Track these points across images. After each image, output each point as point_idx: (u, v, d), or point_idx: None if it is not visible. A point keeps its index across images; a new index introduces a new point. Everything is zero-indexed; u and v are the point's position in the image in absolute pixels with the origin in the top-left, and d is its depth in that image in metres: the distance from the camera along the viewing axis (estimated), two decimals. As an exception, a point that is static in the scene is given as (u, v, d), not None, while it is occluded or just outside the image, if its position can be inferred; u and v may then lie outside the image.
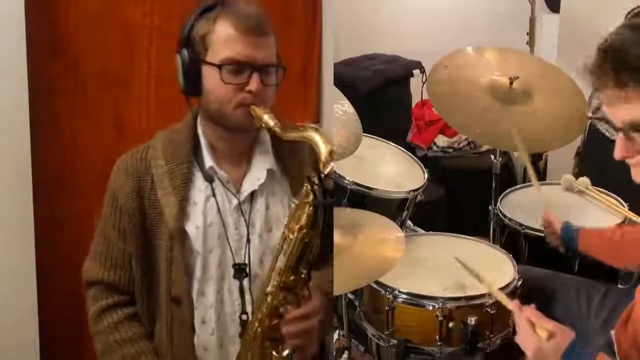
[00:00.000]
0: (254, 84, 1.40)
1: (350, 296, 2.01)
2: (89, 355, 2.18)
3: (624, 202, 2.17)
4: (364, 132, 2.08)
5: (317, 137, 1.33)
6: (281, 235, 1.37)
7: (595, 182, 2.28)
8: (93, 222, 2.10)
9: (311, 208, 1.31)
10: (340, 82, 2.37)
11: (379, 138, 2.35)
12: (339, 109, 2.03)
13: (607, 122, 1.27)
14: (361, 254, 1.74)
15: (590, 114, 1.28)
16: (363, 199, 2.03)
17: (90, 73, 2.02)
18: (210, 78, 1.42)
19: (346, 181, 2.02)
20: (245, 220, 1.48)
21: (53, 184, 2.04)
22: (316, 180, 1.30)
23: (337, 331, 2.05)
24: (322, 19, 2.05)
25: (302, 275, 1.35)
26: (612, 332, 1.48)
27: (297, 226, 1.33)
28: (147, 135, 2.07)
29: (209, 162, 1.47)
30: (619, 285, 2.00)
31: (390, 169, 2.26)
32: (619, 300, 1.72)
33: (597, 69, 1.22)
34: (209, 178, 1.47)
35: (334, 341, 2.04)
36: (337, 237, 1.72)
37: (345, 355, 2.04)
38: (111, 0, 1.99)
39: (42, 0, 1.95)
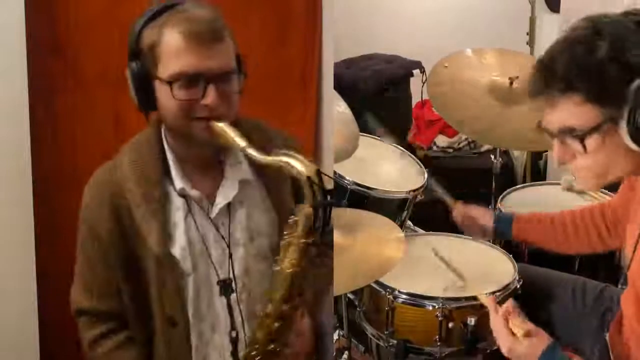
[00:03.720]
0: (209, 97, 1.28)
1: (350, 296, 2.01)
2: (89, 355, 2.18)
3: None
4: (363, 132, 2.08)
5: (295, 162, 1.20)
6: (273, 267, 1.30)
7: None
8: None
9: (303, 243, 1.24)
10: (340, 83, 2.38)
11: (379, 138, 2.35)
12: (334, 109, 2.03)
13: (545, 131, 1.33)
14: (361, 254, 1.74)
15: (537, 124, 1.35)
16: (363, 199, 2.03)
17: (90, 72, 2.02)
18: (163, 94, 1.32)
19: (346, 181, 2.02)
20: (222, 234, 1.41)
21: (53, 184, 2.04)
22: (316, 180, 1.29)
23: (337, 331, 2.05)
24: (322, 20, 2.05)
25: (295, 303, 1.32)
26: (606, 335, 1.48)
27: (289, 259, 1.27)
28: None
29: (179, 183, 1.40)
30: (620, 286, 2.00)
31: (390, 169, 2.26)
32: (614, 300, 1.72)
33: (531, 78, 1.31)
34: (183, 195, 1.40)
35: (334, 341, 2.04)
36: (337, 237, 1.71)
37: (345, 355, 2.04)
38: (111, -1, 2.00)
39: None
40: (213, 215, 1.42)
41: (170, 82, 1.29)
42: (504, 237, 1.98)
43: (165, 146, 1.42)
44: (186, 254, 1.41)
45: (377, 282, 1.82)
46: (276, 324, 1.32)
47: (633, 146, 1.23)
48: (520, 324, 1.37)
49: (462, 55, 2.33)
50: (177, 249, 1.40)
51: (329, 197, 1.23)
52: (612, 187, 2.20)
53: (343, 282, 1.59)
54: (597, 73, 1.21)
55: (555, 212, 1.89)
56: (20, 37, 1.93)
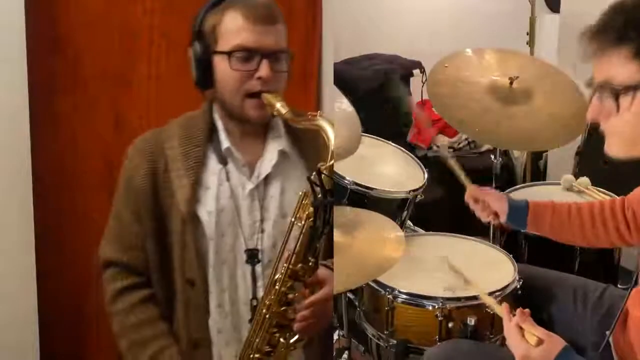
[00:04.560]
0: (263, 70, 1.41)
1: (350, 296, 2.01)
2: (89, 355, 2.18)
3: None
4: (363, 131, 2.08)
5: (327, 127, 1.35)
6: (289, 222, 1.38)
7: (595, 182, 2.28)
8: (93, 221, 2.10)
9: (320, 196, 1.31)
10: (340, 82, 2.37)
11: (379, 138, 2.35)
12: (338, 107, 2.03)
13: (590, 84, 1.28)
14: (361, 253, 1.74)
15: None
16: (363, 198, 2.03)
17: (90, 72, 2.02)
18: (221, 67, 1.45)
19: (346, 181, 2.02)
20: (258, 205, 1.49)
21: (53, 184, 2.04)
22: (316, 180, 1.30)
23: (337, 331, 2.05)
24: (322, 19, 2.06)
25: (310, 264, 1.37)
26: (608, 333, 1.47)
27: (305, 214, 1.34)
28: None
29: (225, 143, 1.49)
30: (619, 286, 2.00)
31: (390, 169, 2.26)
32: (615, 300, 1.72)
33: (597, 23, 1.26)
34: (224, 161, 1.48)
35: (334, 341, 2.04)
36: (337, 237, 1.72)
37: (345, 355, 2.04)
38: (111, -1, 2.00)
39: (42, -1, 1.96)
40: (251, 186, 1.49)
41: (229, 54, 1.42)
42: (517, 227, 1.92)
43: (216, 117, 1.52)
44: (212, 218, 1.47)
45: (377, 282, 1.82)
46: (289, 285, 1.37)
47: None
48: (533, 332, 1.37)
49: (462, 55, 2.33)
50: (204, 212, 1.47)
51: (329, 197, 1.27)
52: (613, 188, 2.22)
53: (342, 281, 1.59)
54: None
55: (571, 202, 1.82)
56: (20, 37, 1.93)
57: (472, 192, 1.94)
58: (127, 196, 1.52)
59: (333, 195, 1.28)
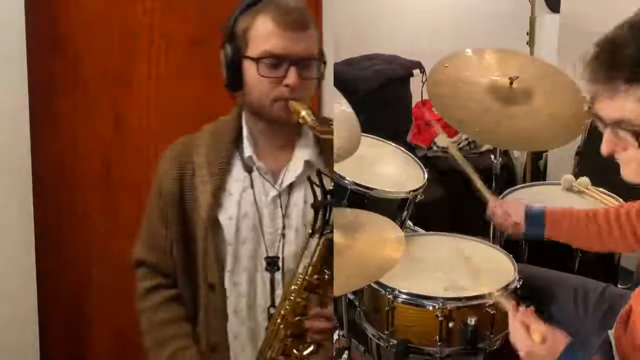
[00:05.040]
0: (291, 77, 1.41)
1: (350, 296, 2.01)
2: (89, 355, 2.18)
3: (624, 202, 2.17)
4: (363, 132, 2.08)
5: None
6: (306, 233, 1.39)
7: (595, 182, 2.28)
8: (93, 221, 2.11)
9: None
10: (340, 82, 2.37)
11: (379, 138, 2.35)
12: (337, 108, 2.03)
13: (596, 117, 1.25)
14: (361, 254, 1.74)
15: (586, 108, 1.27)
16: (363, 199, 2.02)
17: (90, 72, 2.02)
18: (250, 72, 1.44)
19: (346, 181, 2.01)
20: (281, 213, 1.50)
21: (53, 184, 2.04)
22: (316, 181, 1.30)
23: (337, 331, 2.05)
24: (322, 19, 2.05)
25: (326, 276, 1.37)
26: (610, 332, 1.47)
27: (322, 226, 1.34)
28: (147, 134, 2.08)
29: (248, 151, 1.50)
30: (619, 286, 2.00)
31: (390, 169, 2.26)
32: (615, 300, 1.72)
33: (591, 62, 1.21)
34: (248, 168, 1.49)
35: (334, 341, 2.04)
36: (337, 237, 1.71)
37: (345, 355, 2.04)
38: (111, -1, 2.00)
39: (42, -1, 1.96)
40: (276, 191, 1.50)
41: (257, 60, 1.42)
42: (535, 236, 1.91)
43: (243, 122, 1.53)
44: (233, 224, 1.49)
45: (377, 282, 1.82)
46: (304, 296, 1.37)
47: None
48: (537, 328, 1.37)
49: (462, 55, 2.33)
50: (225, 217, 1.49)
51: (329, 197, 1.27)
52: (613, 188, 2.22)
53: (343, 282, 1.59)
54: None
55: (587, 209, 1.85)
56: (20, 37, 1.93)
57: (493, 204, 1.96)
58: (157, 200, 1.55)
59: (333, 196, 1.27)
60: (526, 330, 1.38)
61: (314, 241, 1.36)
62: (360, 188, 2.02)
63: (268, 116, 1.46)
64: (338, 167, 1.98)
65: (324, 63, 1.49)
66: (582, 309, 1.77)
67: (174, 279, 1.57)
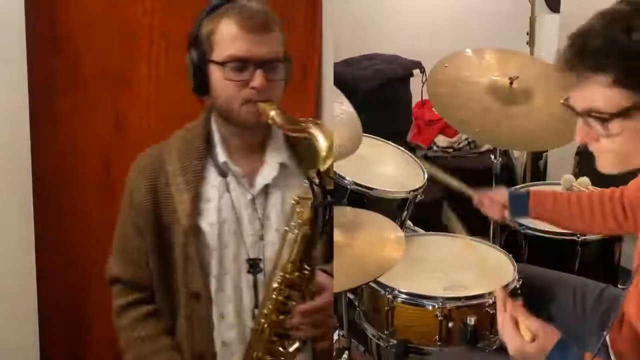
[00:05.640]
0: (257, 80, 1.40)
1: (350, 296, 2.01)
2: (89, 355, 2.18)
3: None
4: (363, 132, 2.08)
5: (318, 133, 1.34)
6: (283, 231, 1.38)
7: (595, 182, 2.28)
8: (93, 221, 2.10)
9: (313, 204, 1.32)
10: (340, 82, 2.37)
11: (379, 138, 2.35)
12: (338, 107, 2.03)
13: (569, 107, 1.28)
14: (361, 253, 1.74)
15: (562, 100, 1.30)
16: (363, 198, 2.03)
17: (90, 72, 2.02)
18: (216, 76, 1.44)
19: (346, 181, 2.02)
20: (259, 215, 1.49)
21: (53, 184, 2.04)
22: (316, 181, 1.30)
23: (337, 331, 2.05)
24: (322, 19, 2.05)
25: (306, 272, 1.36)
26: (606, 334, 1.47)
27: (299, 222, 1.34)
28: (147, 134, 2.08)
29: (222, 157, 1.49)
30: (619, 286, 2.00)
31: (390, 169, 2.26)
32: (613, 301, 1.72)
33: (564, 53, 1.25)
34: (223, 173, 1.49)
35: (334, 341, 2.04)
36: (337, 237, 1.72)
37: (345, 355, 2.04)
38: (111, -2, 2.00)
39: (42, -1, 1.96)
40: (251, 195, 1.49)
41: (223, 64, 1.41)
42: (519, 215, 1.94)
43: (213, 128, 1.52)
44: (215, 230, 1.47)
45: (377, 282, 1.82)
46: (286, 294, 1.37)
47: None
48: (528, 325, 1.35)
49: (462, 55, 2.33)
50: (206, 223, 1.48)
51: (329, 197, 1.27)
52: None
53: (342, 281, 1.59)
54: (631, 54, 1.16)
55: (571, 192, 1.87)
56: (21, 37, 1.93)
57: (478, 196, 1.97)
58: (129, 212, 1.53)
59: (333, 196, 1.27)
60: (515, 326, 1.35)
61: (292, 238, 1.35)
62: (360, 188, 2.02)
63: (237, 119, 1.46)
64: (338, 167, 1.99)
65: (290, 64, 1.48)
66: (580, 309, 1.77)
67: (151, 293, 1.54)
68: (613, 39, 1.17)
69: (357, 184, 2.02)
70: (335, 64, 2.89)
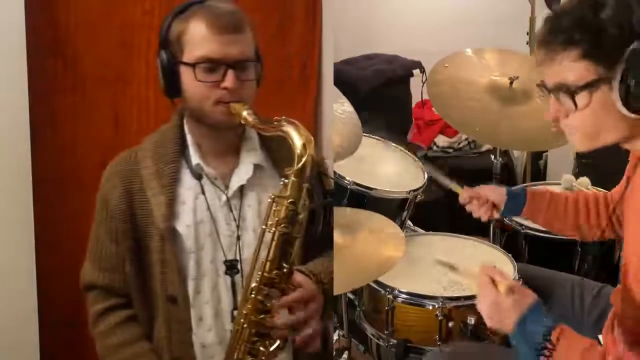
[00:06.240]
0: (228, 80, 1.40)
1: (350, 296, 2.01)
2: (89, 355, 2.18)
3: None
4: (363, 132, 2.08)
5: (292, 131, 1.33)
6: (260, 230, 1.37)
7: (595, 182, 2.28)
8: (93, 221, 2.10)
9: (289, 202, 1.32)
10: (340, 82, 2.37)
11: (379, 138, 2.35)
12: (338, 107, 2.03)
13: (543, 86, 1.33)
14: (361, 253, 1.74)
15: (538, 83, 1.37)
16: (363, 199, 2.03)
17: (90, 72, 2.02)
18: (187, 78, 1.43)
19: (346, 181, 2.02)
20: (234, 216, 1.48)
21: (53, 184, 2.04)
22: (315, 182, 1.30)
23: (337, 331, 2.05)
24: (322, 19, 2.06)
25: (284, 270, 1.35)
26: (600, 335, 1.47)
27: (276, 220, 1.33)
28: (146, 134, 2.07)
29: (195, 159, 1.49)
30: (619, 285, 2.00)
31: (390, 169, 2.26)
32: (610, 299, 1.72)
33: (540, 32, 1.31)
34: (197, 175, 1.48)
35: (334, 341, 2.04)
36: (337, 237, 1.72)
37: (345, 355, 2.04)
38: (111, -1, 2.00)
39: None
40: (226, 196, 1.49)
41: (193, 66, 1.40)
42: (512, 213, 1.92)
43: (186, 130, 1.52)
44: (191, 232, 1.47)
45: (377, 282, 1.82)
46: (265, 293, 1.35)
47: (623, 109, 1.23)
48: (503, 280, 1.33)
49: (462, 55, 2.33)
50: (182, 226, 1.47)
51: (328, 197, 1.26)
52: (613, 188, 2.21)
53: (343, 282, 1.59)
54: (597, 30, 1.22)
55: (567, 192, 1.84)
56: (20, 37, 1.93)
57: (467, 192, 1.91)
58: (104, 217, 1.52)
59: (333, 196, 1.26)
60: (491, 282, 1.34)
61: (269, 236, 1.34)
62: (360, 188, 2.02)
63: (209, 120, 1.45)
64: (338, 167, 1.99)
65: (262, 64, 1.48)
66: (578, 308, 1.77)
67: (128, 298, 1.53)
68: (582, 16, 1.24)
69: (357, 184, 2.02)
70: (335, 64, 2.89)
